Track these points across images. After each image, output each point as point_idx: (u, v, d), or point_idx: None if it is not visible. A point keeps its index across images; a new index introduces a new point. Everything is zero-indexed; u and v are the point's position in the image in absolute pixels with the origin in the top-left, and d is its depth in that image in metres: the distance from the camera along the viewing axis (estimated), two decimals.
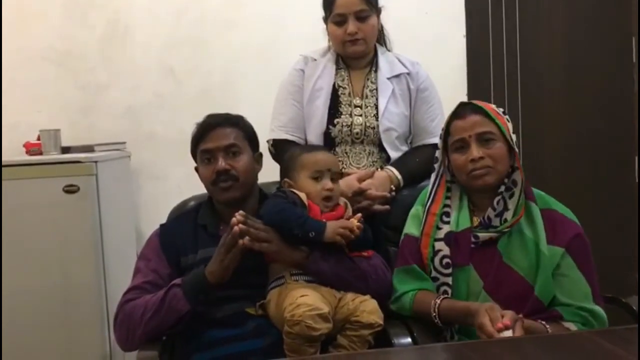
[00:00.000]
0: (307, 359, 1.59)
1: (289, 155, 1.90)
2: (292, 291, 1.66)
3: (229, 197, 1.84)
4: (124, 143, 3.03)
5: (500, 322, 1.52)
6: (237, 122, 1.91)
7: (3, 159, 2.62)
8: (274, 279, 1.75)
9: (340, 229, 1.70)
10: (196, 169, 1.92)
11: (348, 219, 1.77)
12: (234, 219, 1.68)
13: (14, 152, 2.91)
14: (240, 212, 1.71)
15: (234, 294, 1.75)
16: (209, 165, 1.86)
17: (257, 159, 1.94)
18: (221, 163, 1.83)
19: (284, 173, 1.89)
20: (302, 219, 1.71)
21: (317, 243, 1.71)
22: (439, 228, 1.82)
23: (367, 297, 1.74)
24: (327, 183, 1.79)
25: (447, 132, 1.83)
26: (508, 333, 1.50)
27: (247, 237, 1.66)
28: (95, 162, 2.56)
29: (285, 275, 1.73)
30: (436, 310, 1.72)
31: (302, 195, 1.77)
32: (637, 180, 3.18)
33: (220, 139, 1.85)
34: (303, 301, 1.60)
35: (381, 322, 1.71)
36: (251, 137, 1.92)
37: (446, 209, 1.84)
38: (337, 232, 1.70)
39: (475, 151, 1.75)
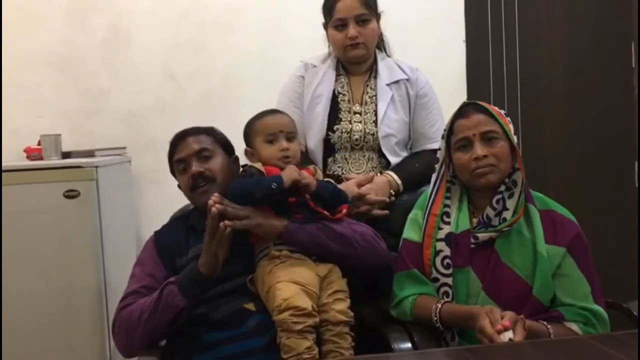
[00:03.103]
0: None
1: (246, 125, 1.93)
2: (277, 283, 1.70)
3: (208, 199, 1.81)
4: (125, 148, 3.03)
5: (500, 324, 1.53)
6: (206, 130, 1.96)
7: (4, 164, 2.62)
8: (260, 250, 1.80)
9: (295, 172, 1.74)
10: (179, 186, 1.95)
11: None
12: (210, 201, 1.72)
13: (14, 157, 2.91)
14: (215, 194, 1.74)
15: (228, 287, 1.77)
16: (185, 174, 1.89)
17: (234, 161, 1.97)
18: (195, 167, 1.87)
19: (245, 143, 1.93)
20: (257, 180, 1.76)
21: (281, 196, 1.74)
22: (439, 228, 1.83)
23: (343, 296, 1.76)
24: (282, 144, 1.84)
25: (450, 131, 1.84)
26: (508, 334, 1.51)
27: (227, 221, 1.69)
28: (96, 167, 2.56)
29: (269, 245, 1.77)
30: (437, 314, 1.73)
31: (258, 165, 1.83)
32: (637, 185, 3.18)
33: (190, 145, 1.90)
34: (286, 305, 1.65)
35: (350, 319, 1.73)
36: (223, 142, 1.96)
37: (446, 209, 1.85)
38: (293, 175, 1.73)
39: (480, 149, 1.75)
